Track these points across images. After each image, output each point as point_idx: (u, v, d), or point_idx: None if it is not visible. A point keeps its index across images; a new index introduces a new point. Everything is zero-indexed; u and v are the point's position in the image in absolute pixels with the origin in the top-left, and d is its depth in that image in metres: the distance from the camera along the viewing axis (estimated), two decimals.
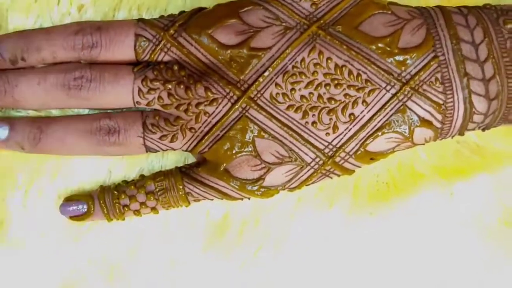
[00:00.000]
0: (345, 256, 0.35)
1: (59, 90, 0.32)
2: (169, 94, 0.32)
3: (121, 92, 0.32)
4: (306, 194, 0.34)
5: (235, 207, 0.35)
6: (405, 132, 0.31)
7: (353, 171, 0.32)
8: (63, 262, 0.35)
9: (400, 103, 0.31)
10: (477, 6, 0.32)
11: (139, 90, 0.32)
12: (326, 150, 0.31)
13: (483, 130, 0.32)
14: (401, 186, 0.35)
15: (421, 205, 0.35)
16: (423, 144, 0.32)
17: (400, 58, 0.30)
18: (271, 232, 0.35)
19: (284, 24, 0.31)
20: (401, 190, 0.35)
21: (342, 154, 0.32)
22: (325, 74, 0.31)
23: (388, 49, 0.30)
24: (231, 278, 0.35)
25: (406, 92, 0.30)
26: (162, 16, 0.33)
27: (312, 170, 0.32)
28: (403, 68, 0.30)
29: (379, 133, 0.31)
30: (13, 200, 0.34)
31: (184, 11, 0.33)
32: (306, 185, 0.33)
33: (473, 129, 0.32)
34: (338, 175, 0.33)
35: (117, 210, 0.33)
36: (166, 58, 0.32)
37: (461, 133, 0.32)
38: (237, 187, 0.32)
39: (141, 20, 0.32)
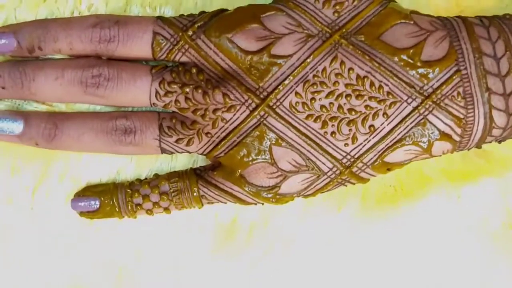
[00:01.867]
0: (353, 259, 0.35)
1: (76, 86, 0.31)
2: (187, 98, 0.31)
3: (138, 93, 0.32)
4: (314, 197, 0.34)
5: (243, 210, 0.35)
6: (424, 145, 0.31)
7: (368, 180, 0.32)
8: (70, 263, 0.35)
9: (421, 117, 0.30)
10: (497, 16, 0.32)
11: (156, 92, 0.31)
12: (344, 160, 0.31)
13: (499, 142, 0.32)
14: (409, 190, 0.35)
15: (429, 209, 0.35)
16: (440, 155, 0.32)
17: (423, 71, 0.30)
18: (279, 235, 0.35)
19: (306, 31, 0.31)
20: (409, 193, 0.35)
21: (360, 165, 0.31)
22: (346, 85, 0.30)
23: (411, 61, 0.30)
24: (239, 281, 0.35)
25: (427, 106, 0.30)
26: (182, 15, 0.32)
27: (328, 179, 0.32)
28: (425, 81, 0.30)
29: (398, 145, 0.31)
30: (21, 201, 0.34)
31: (204, 12, 0.32)
32: (321, 193, 0.33)
33: (490, 142, 0.32)
34: (353, 183, 0.32)
35: (130, 208, 0.33)
36: (184, 59, 0.31)
37: (478, 146, 0.32)
38: (252, 193, 0.32)
39: (160, 17, 0.32)
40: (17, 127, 0.32)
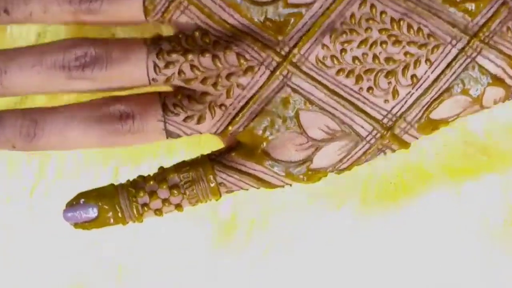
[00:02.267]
0: (354, 256, 0.34)
1: (58, 72, 0.26)
2: (192, 66, 0.26)
3: (133, 70, 0.27)
4: (315, 194, 0.33)
5: (243, 206, 0.33)
6: (475, 94, 0.27)
7: (410, 144, 0.28)
8: (69, 263, 0.33)
9: (469, 59, 0.26)
10: None
11: (155, 65, 0.26)
12: (385, 120, 0.27)
13: None
14: (410, 187, 0.34)
15: (429, 206, 0.34)
16: (490, 107, 0.28)
17: (465, 6, 0.26)
18: (280, 232, 0.34)
19: None
20: (409, 190, 0.34)
21: (403, 125, 0.27)
22: (380, 30, 0.26)
23: None
24: (239, 278, 0.34)
25: (475, 46, 0.26)
26: None
27: (367, 146, 0.27)
28: (469, 19, 0.26)
29: (446, 96, 0.27)
30: (18, 201, 0.33)
31: None
32: (358, 165, 0.28)
33: None
34: (394, 150, 0.28)
35: (135, 211, 0.27)
36: (183, 18, 0.27)
37: None
38: (279, 172, 0.27)
39: None
40: None
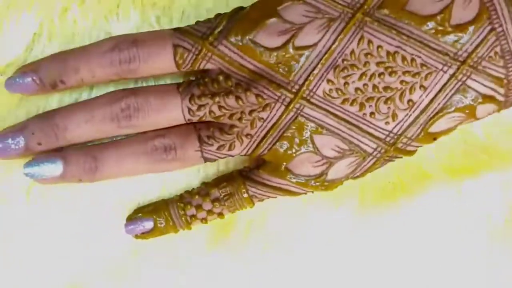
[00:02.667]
0: (352, 256, 0.35)
1: (108, 123, 0.32)
2: (220, 107, 0.31)
3: (170, 115, 0.32)
4: (313, 194, 0.33)
5: None
6: (467, 111, 0.30)
7: (415, 151, 0.32)
8: (69, 263, 0.35)
9: (460, 83, 0.29)
10: None
11: (189, 109, 0.31)
12: (388, 139, 0.31)
13: None
14: (408, 186, 0.35)
15: (429, 205, 0.35)
16: (485, 117, 0.31)
17: (454, 36, 0.29)
18: (277, 232, 0.35)
19: (327, 16, 0.30)
20: (408, 189, 0.35)
21: (404, 140, 0.31)
22: (377, 63, 0.30)
23: (441, 28, 0.29)
24: (237, 278, 0.35)
25: (464, 71, 0.29)
26: (198, 22, 0.31)
27: (374, 159, 0.32)
28: (458, 47, 0.29)
29: (440, 115, 0.30)
30: (16, 200, 0.34)
31: (220, 14, 0.31)
32: (370, 172, 0.33)
33: None
34: (401, 157, 0.32)
35: (184, 221, 0.34)
36: (209, 66, 0.31)
37: None
38: (300, 184, 0.32)
39: (177, 29, 0.31)
40: (57, 168, 0.32)
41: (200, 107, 0.31)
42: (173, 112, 0.31)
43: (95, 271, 0.35)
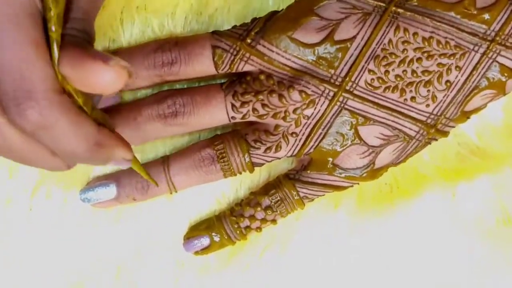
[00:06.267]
0: (350, 257, 0.36)
1: (155, 121, 0.32)
2: (263, 105, 0.32)
3: (215, 111, 0.32)
4: None
5: None
6: (498, 87, 0.32)
7: (449, 132, 0.34)
8: (69, 263, 0.35)
9: (491, 60, 0.32)
10: None
11: (232, 105, 0.32)
12: (429, 121, 0.32)
13: None
14: (404, 188, 0.35)
15: (424, 206, 0.35)
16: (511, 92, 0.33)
17: (481, 18, 0.31)
18: (276, 233, 0.35)
19: (361, 11, 0.31)
20: (404, 191, 0.35)
21: (444, 121, 0.32)
22: (415, 49, 0.31)
23: (468, 11, 0.31)
24: (237, 279, 0.35)
25: (494, 49, 0.31)
26: (235, 26, 0.32)
27: (417, 143, 0.33)
28: (486, 27, 0.31)
29: (475, 92, 0.32)
30: (19, 202, 0.34)
31: (256, 18, 0.32)
32: (411, 157, 0.34)
33: None
34: (437, 140, 0.34)
35: (239, 233, 0.34)
36: (247, 67, 0.32)
37: None
38: (348, 177, 0.33)
39: (215, 32, 0.32)
40: (111, 191, 0.33)
41: (243, 103, 0.32)
42: (217, 107, 0.32)
43: (96, 271, 0.35)
